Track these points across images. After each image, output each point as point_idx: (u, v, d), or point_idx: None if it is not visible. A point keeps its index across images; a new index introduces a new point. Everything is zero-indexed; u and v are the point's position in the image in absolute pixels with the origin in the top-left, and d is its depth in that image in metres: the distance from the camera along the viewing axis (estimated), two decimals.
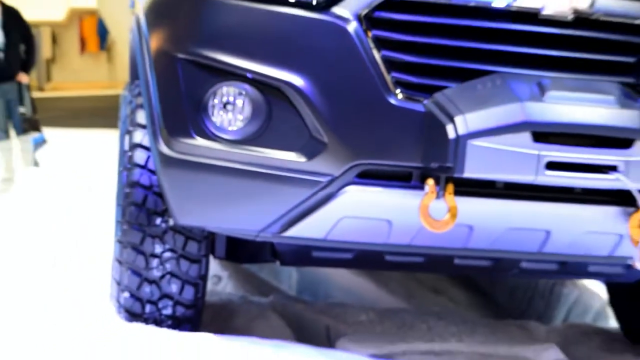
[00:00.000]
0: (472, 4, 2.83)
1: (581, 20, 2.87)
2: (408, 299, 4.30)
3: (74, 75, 20.29)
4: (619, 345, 3.85)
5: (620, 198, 2.82)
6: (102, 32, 21.96)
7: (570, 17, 2.85)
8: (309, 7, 2.83)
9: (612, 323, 4.18)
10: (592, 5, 2.85)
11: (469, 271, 3.44)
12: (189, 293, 3.21)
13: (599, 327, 4.33)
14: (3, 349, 2.67)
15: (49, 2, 22.17)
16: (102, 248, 4.67)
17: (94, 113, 13.08)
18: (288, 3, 2.85)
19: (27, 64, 9.38)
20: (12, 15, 9.28)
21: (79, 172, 7.00)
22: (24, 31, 9.42)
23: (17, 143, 9.25)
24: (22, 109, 9.23)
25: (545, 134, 2.66)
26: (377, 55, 2.78)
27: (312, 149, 2.80)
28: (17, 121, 9.21)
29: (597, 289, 4.54)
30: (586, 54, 2.89)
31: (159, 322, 3.19)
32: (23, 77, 9.25)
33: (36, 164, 8.88)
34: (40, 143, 9.25)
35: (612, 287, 4.05)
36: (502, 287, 4.69)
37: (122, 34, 17.64)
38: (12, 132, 9.26)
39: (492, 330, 3.69)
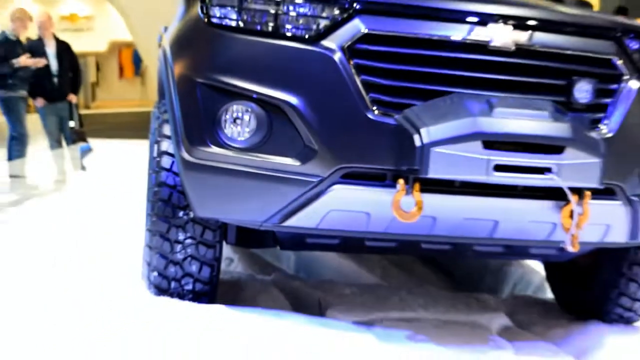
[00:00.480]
0: (435, 37, 2.87)
1: (522, 50, 2.91)
2: (384, 277, 4.28)
3: (114, 96, 20.27)
4: (554, 313, 3.86)
5: (554, 194, 2.82)
6: (137, 61, 21.92)
7: (513, 48, 2.89)
8: (302, 40, 2.85)
9: (549, 295, 4.18)
10: (530, 38, 2.91)
11: (433, 253, 3.43)
12: (206, 272, 3.19)
13: (538, 298, 4.34)
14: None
15: (94, 36, 22.19)
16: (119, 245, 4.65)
17: (129, 126, 13.05)
18: (285, 37, 2.87)
19: (75, 87, 9.35)
20: (63, 47, 9.25)
21: (117, 175, 6.97)
22: (73, 60, 9.39)
23: (67, 151, 9.25)
24: (71, 123, 9.23)
25: (493, 142, 2.68)
26: (357, 79, 2.79)
27: (305, 155, 2.81)
28: (67, 133, 9.21)
29: (537, 267, 4.54)
30: (526, 78, 2.93)
31: (181, 296, 3.18)
32: (72, 98, 9.23)
33: (83, 168, 8.86)
34: (86, 151, 9.23)
35: (548, 266, 4.07)
36: (460, 266, 4.69)
37: (153, 62, 17.61)
38: (64, 143, 9.27)
39: (452, 302, 3.67)
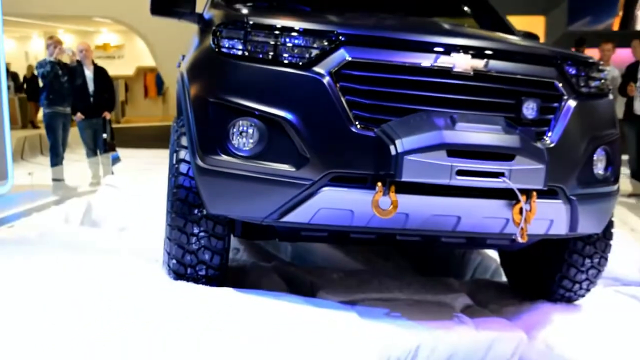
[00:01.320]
0: (407, 64, 2.89)
1: (479, 75, 2.93)
2: (365, 263, 4.25)
3: (140, 112, 20.18)
4: (508, 293, 3.86)
5: (506, 194, 2.82)
6: (159, 83, 21.85)
7: (471, 73, 2.91)
8: (297, 66, 2.87)
9: (503, 278, 4.17)
10: (486, 65, 2.94)
11: (407, 244, 3.44)
12: (216, 260, 3.19)
13: (494, 281, 4.33)
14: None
15: (124, 62, 22.12)
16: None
17: (153, 138, 13.02)
18: (283, 64, 2.89)
19: (110, 105, 9.38)
20: (100, 72, 9.31)
21: (142, 179, 6.94)
22: (108, 83, 9.42)
23: (101, 159, 9.27)
24: (104, 136, 9.28)
25: (456, 151, 2.70)
26: (342, 99, 2.81)
27: (299, 162, 2.82)
28: (100, 144, 9.25)
29: (493, 255, 4.54)
30: (483, 98, 2.94)
31: (196, 280, 3.18)
32: (106, 114, 9.28)
33: (112, 173, 8.84)
34: (116, 159, 9.27)
35: (502, 254, 4.08)
36: (430, 255, 4.68)
37: (173, 84, 17.57)
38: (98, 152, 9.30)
39: (423, 284, 3.66)
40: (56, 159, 9.27)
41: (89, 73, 9.12)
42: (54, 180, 9.02)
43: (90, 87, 9.07)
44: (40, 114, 10.29)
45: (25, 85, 19.54)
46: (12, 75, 18.40)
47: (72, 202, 6.94)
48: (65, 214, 6.21)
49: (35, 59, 20.98)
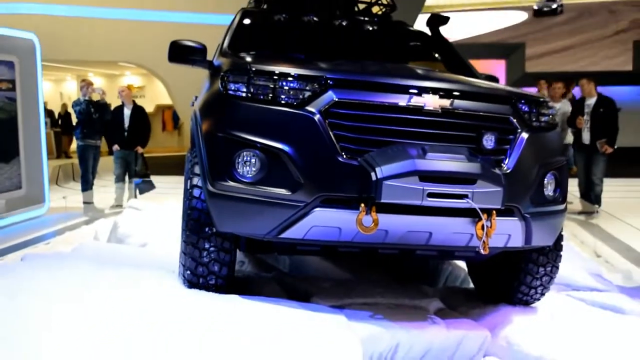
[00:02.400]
0: (386, 104, 2.90)
1: (446, 112, 2.95)
2: (352, 273, 4.20)
3: (158, 144, 20.10)
4: (474, 298, 3.83)
5: (470, 213, 2.84)
6: (175, 118, 21.83)
7: (440, 110, 2.93)
8: (292, 106, 2.89)
9: (471, 285, 4.11)
10: (451, 104, 2.96)
11: (387, 256, 3.42)
12: (224, 271, 3.17)
13: (463, 287, 4.30)
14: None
15: (145, 101, 21.99)
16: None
17: (169, 166, 13.03)
18: (280, 104, 2.91)
19: (142, 141, 9.37)
20: (137, 110, 9.30)
21: (160, 202, 6.94)
22: (143, 120, 9.40)
23: (127, 185, 9.30)
24: (136, 168, 9.33)
25: (427, 176, 2.72)
26: (331, 133, 2.84)
27: (294, 187, 2.82)
28: (132, 172, 9.28)
29: (462, 265, 4.48)
30: (449, 131, 2.96)
31: (207, 288, 3.16)
32: (139, 148, 9.28)
33: (135, 196, 8.84)
34: (138, 184, 9.29)
35: (469, 264, 4.04)
36: (407, 265, 4.63)
37: (187, 120, 17.60)
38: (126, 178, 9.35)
39: (402, 291, 3.64)
40: (86, 185, 9.30)
41: (127, 111, 9.17)
42: (85, 203, 9.01)
43: (126, 123, 9.11)
44: (73, 146, 10.29)
45: (59, 121, 19.54)
46: (48, 113, 18.37)
47: (100, 222, 6.92)
48: (94, 232, 6.20)
49: (69, 99, 21.04)
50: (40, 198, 8.00)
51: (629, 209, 8.80)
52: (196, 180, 3.16)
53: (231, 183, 2.91)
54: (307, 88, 2.91)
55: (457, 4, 18.86)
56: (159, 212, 6.12)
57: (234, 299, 3.02)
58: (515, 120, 3.10)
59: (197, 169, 3.17)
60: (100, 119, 9.18)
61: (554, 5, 20.47)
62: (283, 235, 2.89)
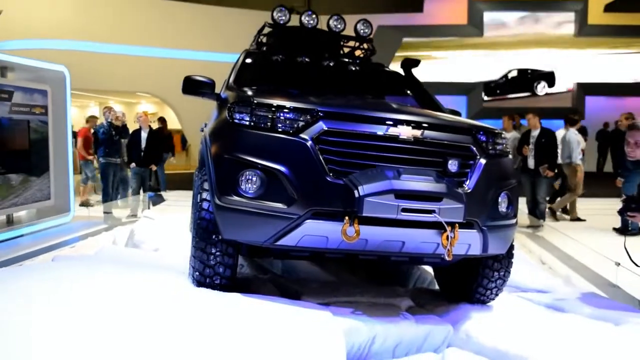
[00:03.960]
0: (367, 133, 2.92)
1: (418, 141, 2.97)
2: (336, 275, 4.21)
3: (168, 163, 20.03)
4: (440, 297, 3.81)
5: (437, 225, 2.86)
6: (184, 141, 21.69)
7: (412, 139, 2.96)
8: (288, 133, 2.90)
9: (437, 286, 4.09)
10: (422, 134, 2.99)
11: (366, 261, 3.37)
12: (228, 272, 3.16)
13: (430, 288, 4.28)
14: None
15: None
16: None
17: (178, 182, 12.95)
18: (278, 132, 2.92)
19: (156, 160, 9.36)
20: (153, 133, 9.32)
21: (170, 213, 6.93)
22: (158, 142, 9.40)
23: (142, 197, 9.26)
24: (150, 183, 9.31)
25: (401, 194, 2.74)
26: (321, 157, 2.85)
27: (289, 201, 2.83)
28: (146, 187, 9.25)
29: (429, 269, 4.48)
30: (420, 157, 2.98)
31: (213, 287, 3.14)
32: (152, 167, 9.29)
33: (149, 207, 8.81)
34: (152, 197, 9.26)
35: (436, 269, 4.03)
36: (383, 269, 4.60)
37: (194, 142, 17.56)
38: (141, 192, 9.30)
39: (378, 291, 3.63)
40: (106, 197, 9.25)
41: (144, 134, 9.18)
42: (105, 212, 8.95)
43: (143, 144, 9.11)
44: (94, 164, 10.22)
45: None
46: (74, 134, 18.25)
47: (118, 229, 6.87)
48: (113, 238, 6.14)
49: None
50: (66, 208, 7.94)
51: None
52: (205, 195, 3.15)
53: (235, 197, 2.91)
54: (301, 118, 2.92)
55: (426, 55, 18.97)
56: (169, 222, 6.10)
57: (235, 297, 3.01)
58: (475, 148, 3.13)
59: (206, 185, 3.16)
60: (120, 140, 9.18)
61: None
62: (279, 243, 2.88)
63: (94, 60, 16.13)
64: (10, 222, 7.20)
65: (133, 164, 9.12)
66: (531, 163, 8.47)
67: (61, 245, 6.24)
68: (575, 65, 19.42)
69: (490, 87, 19.59)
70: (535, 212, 8.57)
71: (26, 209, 7.43)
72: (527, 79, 19.45)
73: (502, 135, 3.38)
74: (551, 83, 19.48)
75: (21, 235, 6.85)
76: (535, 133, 8.49)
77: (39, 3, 16.29)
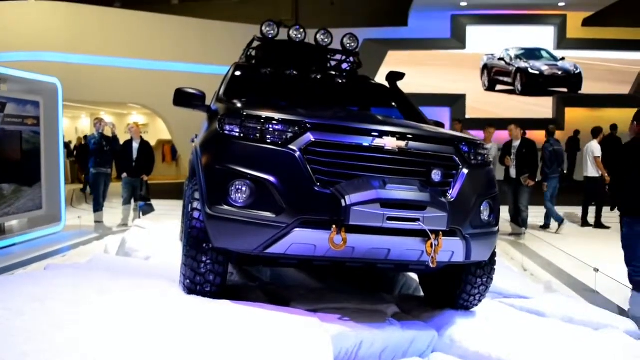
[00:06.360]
0: (353, 144, 2.94)
1: (402, 151, 2.99)
2: (324, 282, 4.20)
3: (159, 173, 19.78)
4: (424, 304, 3.82)
5: (421, 233, 2.88)
6: (174, 151, 21.59)
7: (397, 150, 2.98)
8: (277, 145, 2.92)
9: (422, 293, 4.10)
10: (406, 145, 3.01)
11: (353, 268, 3.34)
12: (218, 280, 3.14)
13: (415, 295, 4.28)
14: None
15: (148, 136, 21.85)
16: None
17: (168, 192, 12.90)
18: (268, 143, 2.94)
19: (147, 170, 9.30)
20: (144, 144, 9.22)
21: (161, 222, 6.90)
22: (148, 153, 9.32)
23: (132, 207, 9.20)
24: (141, 193, 9.22)
25: (386, 203, 2.76)
26: (308, 167, 2.87)
27: (278, 211, 2.83)
28: (137, 196, 9.17)
29: (414, 276, 4.47)
30: (404, 167, 3.00)
31: (203, 294, 3.12)
32: (144, 177, 9.21)
33: (139, 217, 8.77)
34: (142, 207, 9.19)
35: (420, 275, 4.02)
36: (370, 276, 4.56)
37: (184, 152, 17.52)
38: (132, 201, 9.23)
39: (364, 297, 3.63)
40: (97, 207, 9.20)
41: (135, 145, 9.12)
42: (96, 222, 8.90)
43: (134, 154, 9.06)
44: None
45: (75, 152, 19.26)
46: (65, 144, 18.13)
47: (109, 238, 6.84)
48: (104, 247, 6.11)
49: (82, 133, 20.77)
50: (57, 217, 7.89)
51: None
52: (196, 204, 3.14)
53: (226, 207, 2.90)
54: (290, 130, 2.94)
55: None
56: (160, 231, 6.07)
57: (225, 304, 3.01)
58: (457, 159, 3.15)
59: (197, 195, 3.16)
60: (110, 151, 9.13)
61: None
62: (268, 251, 2.88)
63: (85, 72, 16.06)
64: (1, 231, 7.14)
65: (124, 174, 9.08)
66: (513, 172, 8.58)
67: (53, 255, 6.20)
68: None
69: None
70: (518, 220, 8.64)
71: (18, 219, 7.37)
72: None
73: (484, 146, 3.41)
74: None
75: (13, 245, 6.79)
76: (517, 144, 8.59)
77: (32, 15, 16.22)
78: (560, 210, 9.58)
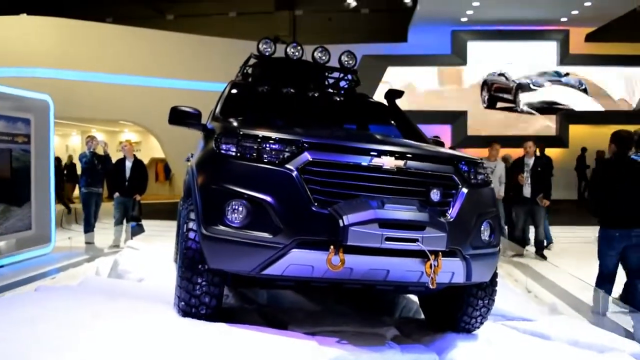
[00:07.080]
0: (351, 163, 2.98)
1: (401, 171, 3.03)
2: (322, 304, 4.19)
3: (152, 192, 19.75)
4: (425, 327, 3.81)
5: (420, 254, 2.90)
6: (167, 171, 21.64)
7: (395, 169, 3.02)
8: (274, 164, 2.95)
9: (422, 316, 4.10)
10: (405, 164, 3.05)
11: (352, 290, 3.31)
12: (214, 302, 3.16)
13: (416, 318, 4.27)
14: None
15: (141, 154, 21.82)
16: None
17: (161, 212, 12.88)
18: (264, 162, 2.97)
19: (141, 189, 9.32)
20: (137, 163, 9.25)
21: (154, 243, 6.92)
22: (142, 172, 9.34)
23: (124, 227, 9.21)
24: (133, 213, 9.23)
25: (385, 224, 2.78)
26: (306, 187, 2.90)
27: (275, 231, 2.85)
28: (129, 217, 9.17)
29: (414, 298, 4.43)
30: (403, 187, 3.04)
31: (198, 317, 3.13)
32: (137, 196, 9.23)
33: (131, 238, 8.77)
34: (134, 228, 9.21)
35: (421, 297, 4.02)
36: (369, 298, 4.56)
37: (178, 171, 17.55)
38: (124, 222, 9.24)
39: (363, 319, 3.63)
40: (88, 227, 9.21)
41: (128, 163, 9.16)
42: (87, 243, 8.88)
43: (127, 173, 9.10)
44: (76, 192, 10.21)
45: (65, 171, 19.27)
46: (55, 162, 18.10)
47: (101, 260, 6.83)
48: (96, 268, 6.09)
49: (73, 151, 20.82)
50: (47, 238, 7.89)
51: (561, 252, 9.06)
52: (191, 225, 3.15)
53: (222, 227, 2.92)
54: (287, 149, 2.97)
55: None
56: (153, 252, 6.08)
57: (221, 327, 3.02)
58: (456, 178, 3.19)
59: (192, 215, 3.17)
60: (103, 170, 9.18)
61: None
62: (265, 272, 2.90)
63: (77, 88, 16.16)
64: None
65: (116, 194, 9.10)
66: (527, 191, 8.36)
67: (42, 277, 6.19)
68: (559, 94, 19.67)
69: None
70: (522, 240, 8.62)
71: (6, 239, 7.36)
72: None
73: (484, 165, 3.46)
74: None
75: (0, 267, 6.79)
76: (530, 161, 8.44)
77: (23, 31, 16.36)
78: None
